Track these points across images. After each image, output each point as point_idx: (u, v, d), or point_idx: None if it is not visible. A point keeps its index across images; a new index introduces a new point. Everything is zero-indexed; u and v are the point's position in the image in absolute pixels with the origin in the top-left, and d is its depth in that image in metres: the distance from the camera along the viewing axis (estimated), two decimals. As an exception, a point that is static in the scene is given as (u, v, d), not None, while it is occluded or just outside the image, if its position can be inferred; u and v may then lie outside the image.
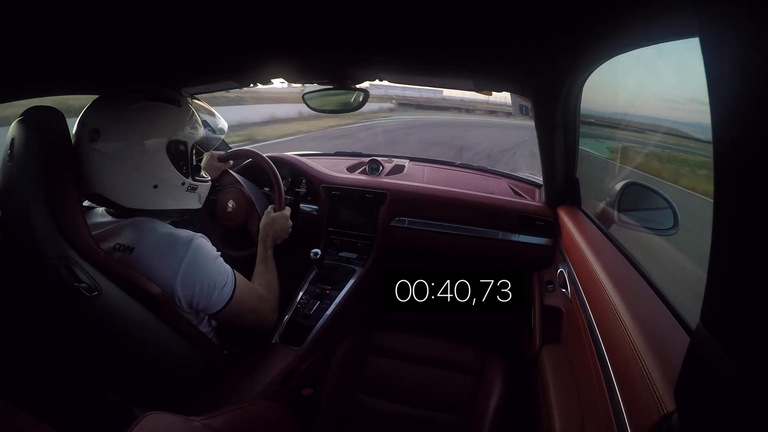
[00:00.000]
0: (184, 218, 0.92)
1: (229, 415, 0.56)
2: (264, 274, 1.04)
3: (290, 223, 1.14)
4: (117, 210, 0.83)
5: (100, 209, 0.86)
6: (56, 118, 0.73)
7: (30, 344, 0.85)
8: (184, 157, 0.84)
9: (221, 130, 0.95)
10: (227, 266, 0.86)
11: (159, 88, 0.84)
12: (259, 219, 1.15)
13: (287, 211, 1.15)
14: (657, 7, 0.49)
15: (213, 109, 0.96)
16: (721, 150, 0.30)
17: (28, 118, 0.71)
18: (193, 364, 0.87)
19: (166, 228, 0.81)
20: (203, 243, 0.82)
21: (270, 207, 1.15)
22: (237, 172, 1.32)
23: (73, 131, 0.80)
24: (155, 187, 0.80)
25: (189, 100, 0.89)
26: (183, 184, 0.85)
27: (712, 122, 0.30)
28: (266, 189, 1.40)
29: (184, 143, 0.84)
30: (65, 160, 0.72)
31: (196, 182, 0.88)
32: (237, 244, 1.25)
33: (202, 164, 1.03)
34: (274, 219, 1.11)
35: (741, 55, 0.26)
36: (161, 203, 0.83)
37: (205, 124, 0.90)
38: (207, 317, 0.94)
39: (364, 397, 1.10)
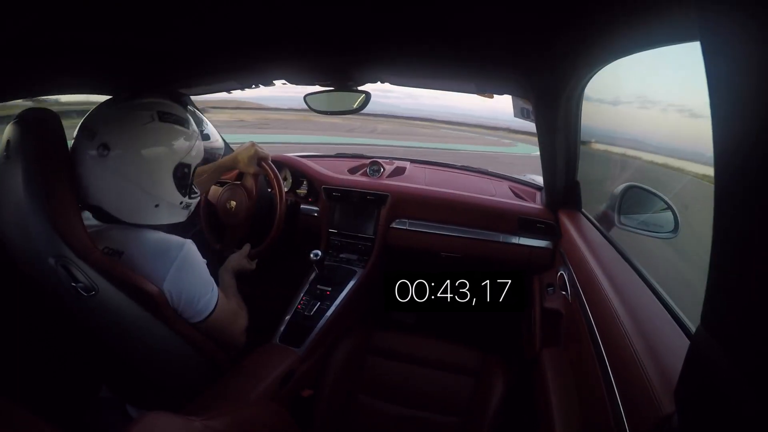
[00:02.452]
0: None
1: (229, 416, 0.56)
2: (226, 291, 1.03)
3: (252, 266, 1.18)
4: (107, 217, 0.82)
5: (86, 213, 0.84)
6: (52, 119, 0.73)
7: (27, 342, 0.85)
8: (186, 179, 0.85)
9: (206, 137, 0.96)
10: (211, 277, 0.85)
11: (169, 104, 0.83)
12: (248, 232, 1.18)
13: (253, 264, 1.19)
14: (658, 11, 0.49)
15: (204, 117, 0.96)
16: (721, 151, 0.30)
17: (23, 120, 0.71)
18: (191, 364, 0.87)
19: (156, 233, 0.80)
20: (193, 249, 0.81)
21: (247, 246, 1.18)
22: (237, 175, 1.32)
23: (74, 134, 0.79)
24: (156, 206, 0.81)
25: (191, 112, 0.89)
26: (181, 203, 0.85)
27: (713, 124, 0.30)
28: (269, 190, 1.40)
29: (189, 166, 0.84)
30: (61, 160, 0.72)
31: (191, 200, 0.88)
32: (235, 241, 1.25)
33: (240, 152, 1.15)
34: (239, 261, 1.14)
35: (741, 58, 0.27)
36: (158, 219, 0.83)
37: (202, 134, 0.91)
38: None
39: (363, 398, 1.10)
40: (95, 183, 0.76)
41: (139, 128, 0.76)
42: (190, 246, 0.80)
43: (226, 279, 1.07)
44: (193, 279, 0.80)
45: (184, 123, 0.82)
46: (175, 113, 0.82)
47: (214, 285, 0.85)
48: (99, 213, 0.80)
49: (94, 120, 0.77)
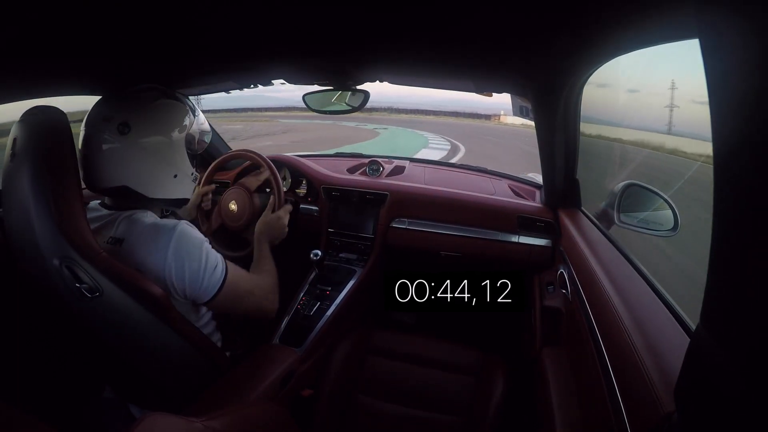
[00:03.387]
0: (174, 208, 0.94)
1: (229, 417, 0.56)
2: (258, 263, 1.04)
3: (284, 223, 1.13)
4: (119, 202, 0.84)
5: (94, 203, 0.86)
6: (58, 117, 0.72)
7: (30, 342, 0.85)
8: (193, 149, 0.91)
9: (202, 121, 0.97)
10: (216, 252, 0.85)
11: (164, 88, 0.88)
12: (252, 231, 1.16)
13: (283, 210, 1.14)
14: (657, 9, 0.49)
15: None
16: (721, 150, 0.30)
17: (29, 119, 0.71)
18: (193, 365, 0.87)
19: (151, 218, 0.82)
20: (187, 228, 0.82)
21: (267, 209, 1.15)
22: (236, 175, 1.33)
23: (84, 125, 0.80)
24: (175, 176, 0.85)
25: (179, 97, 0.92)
26: (191, 174, 0.91)
27: (712, 123, 0.30)
28: (267, 190, 1.40)
29: (193, 137, 0.90)
30: (68, 159, 0.72)
31: (197, 172, 0.94)
32: (241, 245, 1.24)
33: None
34: (268, 222, 1.11)
35: (741, 56, 0.26)
36: (176, 192, 0.87)
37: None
38: (210, 315, 0.94)
39: (363, 397, 1.10)
40: (118, 162, 0.78)
41: (152, 105, 0.83)
42: (183, 225, 0.81)
43: (255, 252, 1.08)
44: (193, 257, 0.80)
45: (182, 100, 0.89)
46: (172, 93, 0.88)
47: (220, 260, 0.85)
48: (119, 195, 0.82)
49: (109, 106, 0.81)
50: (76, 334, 0.84)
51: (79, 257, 0.70)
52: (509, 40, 0.69)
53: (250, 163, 1.31)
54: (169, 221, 0.82)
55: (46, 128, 0.71)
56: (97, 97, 0.85)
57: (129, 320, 0.75)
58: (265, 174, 1.23)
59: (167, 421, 0.46)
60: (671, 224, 1.00)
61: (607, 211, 1.14)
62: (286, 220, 1.13)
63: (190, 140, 0.89)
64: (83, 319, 0.77)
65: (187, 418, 0.48)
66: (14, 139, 0.71)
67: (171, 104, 0.85)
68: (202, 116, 0.95)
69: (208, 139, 0.97)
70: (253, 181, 1.28)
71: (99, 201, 0.87)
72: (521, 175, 1.73)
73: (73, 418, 0.87)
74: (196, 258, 0.80)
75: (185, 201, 0.92)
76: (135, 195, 0.81)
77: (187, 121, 0.87)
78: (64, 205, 0.70)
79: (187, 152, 0.88)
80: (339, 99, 1.13)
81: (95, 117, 0.79)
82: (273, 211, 1.13)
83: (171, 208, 0.92)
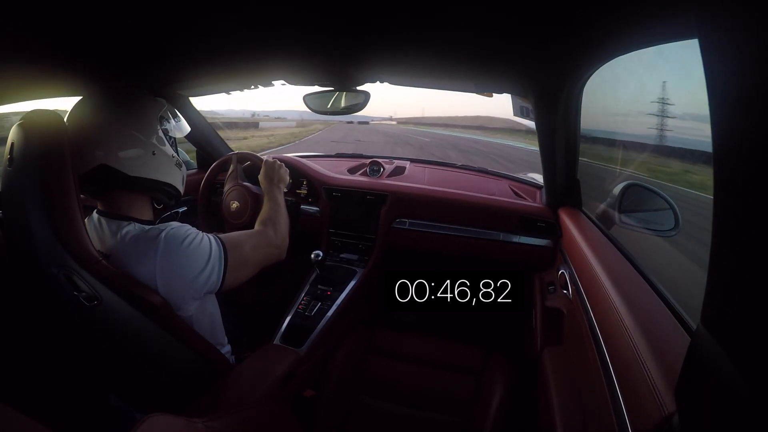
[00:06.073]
0: (172, 203, 0.91)
1: (231, 417, 0.56)
2: (270, 211, 1.06)
3: (279, 163, 1.20)
4: (104, 194, 0.82)
5: (95, 216, 0.83)
6: (56, 122, 0.72)
7: (32, 348, 0.85)
8: (167, 133, 0.89)
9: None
10: (206, 238, 0.82)
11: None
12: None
13: (270, 159, 1.22)
14: (657, 9, 0.49)
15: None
16: (720, 150, 0.30)
17: (27, 123, 0.70)
18: (194, 369, 0.87)
19: (137, 229, 0.79)
20: (173, 232, 0.78)
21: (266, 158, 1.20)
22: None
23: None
24: (153, 153, 0.82)
25: None
26: (173, 157, 0.87)
27: (712, 123, 0.30)
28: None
29: (166, 130, 0.89)
30: (65, 165, 0.71)
31: (181, 161, 0.91)
32: None
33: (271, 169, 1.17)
34: (265, 172, 1.15)
35: (740, 56, 0.26)
36: (159, 173, 0.83)
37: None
38: (218, 319, 0.94)
39: (365, 398, 1.10)
40: (93, 139, 0.77)
41: (123, 90, 0.84)
42: (169, 231, 0.78)
43: (268, 201, 1.11)
44: (183, 261, 0.77)
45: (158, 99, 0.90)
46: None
47: (212, 246, 0.82)
48: (99, 179, 0.78)
49: (87, 95, 0.82)
50: (77, 340, 0.83)
51: (76, 265, 0.69)
52: (510, 41, 0.69)
53: (251, 163, 1.32)
54: (155, 229, 0.78)
55: (42, 133, 0.69)
56: None
57: (128, 327, 0.75)
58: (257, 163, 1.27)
59: (169, 421, 0.46)
60: (672, 224, 1.00)
61: (608, 211, 1.14)
62: (277, 162, 1.20)
63: (164, 122, 0.87)
64: (83, 327, 0.76)
65: (188, 419, 0.48)
66: (12, 144, 0.70)
67: (144, 93, 0.85)
68: (182, 119, 0.95)
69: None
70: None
71: (96, 209, 0.84)
72: (522, 176, 1.73)
73: (76, 424, 0.87)
74: (185, 261, 0.77)
75: (173, 188, 0.88)
76: (114, 175, 0.77)
77: (159, 105, 0.86)
78: (61, 213, 0.69)
79: (164, 133, 0.86)
80: (339, 100, 1.13)
81: (73, 108, 0.80)
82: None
83: (160, 196, 0.87)
